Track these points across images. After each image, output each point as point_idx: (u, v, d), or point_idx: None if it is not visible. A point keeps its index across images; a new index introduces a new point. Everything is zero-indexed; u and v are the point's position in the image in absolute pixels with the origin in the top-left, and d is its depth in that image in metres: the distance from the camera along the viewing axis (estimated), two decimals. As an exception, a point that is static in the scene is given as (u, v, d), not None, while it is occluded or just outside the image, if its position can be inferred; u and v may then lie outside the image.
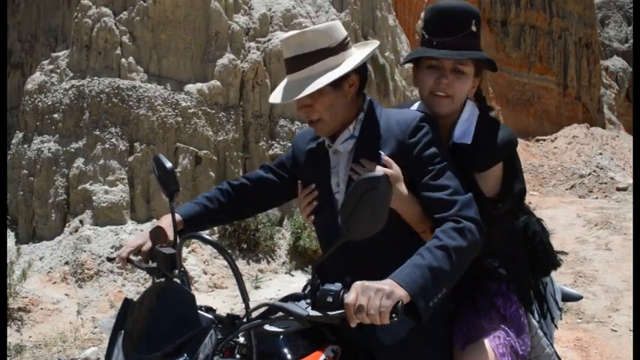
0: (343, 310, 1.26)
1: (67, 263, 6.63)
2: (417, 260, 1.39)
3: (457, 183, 1.58)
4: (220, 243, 1.47)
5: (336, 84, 1.63)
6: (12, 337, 5.26)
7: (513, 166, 1.76)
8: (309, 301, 1.32)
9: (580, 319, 5.32)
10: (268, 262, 7.83)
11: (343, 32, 1.68)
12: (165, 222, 1.77)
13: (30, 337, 5.37)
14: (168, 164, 1.73)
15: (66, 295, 6.21)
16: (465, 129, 1.75)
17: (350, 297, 1.26)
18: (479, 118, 1.78)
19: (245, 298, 1.36)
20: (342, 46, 1.65)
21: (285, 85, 1.70)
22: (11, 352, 4.90)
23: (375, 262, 1.57)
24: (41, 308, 5.84)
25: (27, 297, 5.88)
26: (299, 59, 1.62)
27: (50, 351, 4.96)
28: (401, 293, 1.29)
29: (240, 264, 7.51)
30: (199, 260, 7.00)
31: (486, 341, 1.64)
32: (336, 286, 1.30)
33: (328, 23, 1.70)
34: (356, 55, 1.68)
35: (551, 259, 1.94)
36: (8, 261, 6.01)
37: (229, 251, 8.16)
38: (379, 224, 1.29)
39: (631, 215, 10.03)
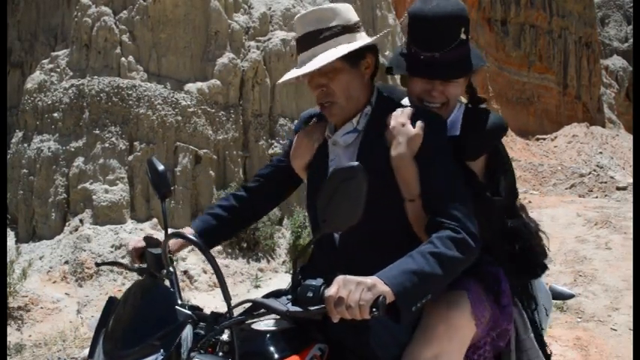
0: (324, 305, 1.24)
1: (66, 262, 6.63)
2: (408, 263, 1.34)
3: (459, 186, 1.53)
4: (200, 241, 1.47)
5: (353, 63, 1.58)
6: (12, 336, 5.26)
7: (498, 154, 1.72)
8: (290, 297, 1.31)
9: (580, 318, 5.32)
10: (268, 261, 7.83)
11: (356, 16, 1.65)
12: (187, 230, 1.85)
13: (30, 336, 5.37)
14: (161, 167, 1.74)
15: (66, 294, 6.21)
16: (453, 123, 1.71)
17: (331, 290, 1.23)
18: (465, 110, 1.75)
19: (226, 296, 1.33)
20: (356, 27, 1.62)
21: (297, 65, 1.61)
22: (11, 351, 4.91)
23: (365, 259, 1.52)
24: (41, 307, 5.84)
25: (27, 296, 5.88)
26: (315, 35, 1.57)
27: (50, 350, 4.96)
28: (383, 288, 1.25)
29: (240, 263, 7.52)
30: (199, 259, 6.99)
31: (465, 292, 1.60)
32: (318, 281, 1.27)
33: (344, 4, 1.67)
34: (369, 38, 1.64)
35: (538, 261, 1.81)
36: (8, 260, 6.01)
37: (229, 250, 8.19)
38: (356, 216, 1.25)
39: (631, 214, 10.02)
